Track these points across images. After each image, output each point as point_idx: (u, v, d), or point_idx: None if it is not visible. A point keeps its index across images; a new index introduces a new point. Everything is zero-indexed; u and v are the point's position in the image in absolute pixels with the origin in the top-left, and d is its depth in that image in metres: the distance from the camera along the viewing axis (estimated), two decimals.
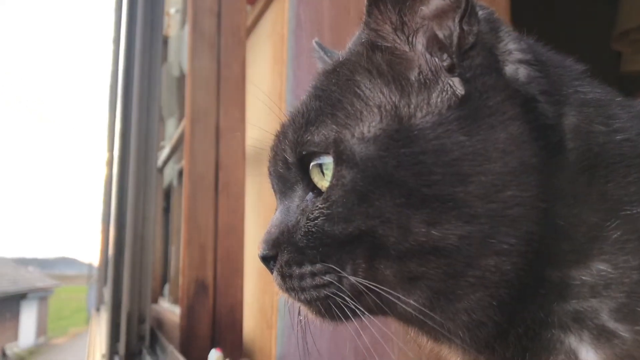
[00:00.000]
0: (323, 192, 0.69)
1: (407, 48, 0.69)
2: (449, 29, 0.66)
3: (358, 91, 0.71)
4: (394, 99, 0.68)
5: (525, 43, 0.70)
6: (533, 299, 0.64)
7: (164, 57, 3.65)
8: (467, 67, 0.66)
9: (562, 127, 0.65)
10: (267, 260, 0.73)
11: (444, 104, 0.65)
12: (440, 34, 0.67)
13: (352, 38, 0.80)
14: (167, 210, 4.17)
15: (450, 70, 0.67)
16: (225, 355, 2.07)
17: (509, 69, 0.67)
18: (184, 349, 2.22)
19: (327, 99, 0.72)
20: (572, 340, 0.62)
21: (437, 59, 0.68)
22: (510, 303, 0.64)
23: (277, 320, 2.12)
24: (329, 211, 0.67)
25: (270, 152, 0.78)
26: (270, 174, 0.79)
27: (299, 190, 0.74)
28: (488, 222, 0.62)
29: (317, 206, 0.68)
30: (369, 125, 0.67)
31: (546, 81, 0.67)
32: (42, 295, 23.27)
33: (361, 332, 0.83)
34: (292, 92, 2.13)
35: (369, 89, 0.70)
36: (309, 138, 0.70)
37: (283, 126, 0.76)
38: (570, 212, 0.63)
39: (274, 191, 0.79)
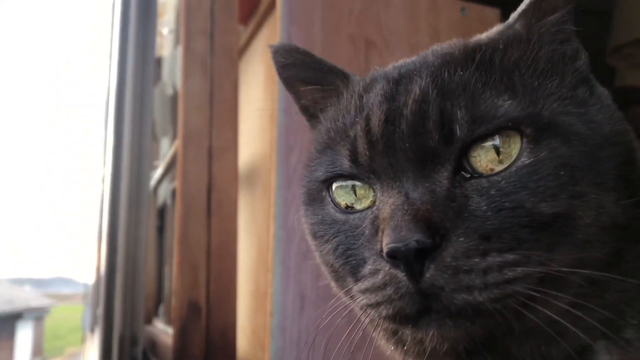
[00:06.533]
0: (484, 174, 0.65)
1: None
2: None
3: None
4: None
5: None
6: None
7: (158, 77, 3.67)
8: None
9: None
10: (418, 253, 0.60)
11: None
12: None
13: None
14: (161, 229, 4.14)
15: None
16: None
17: None
18: None
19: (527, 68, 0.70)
20: None
21: None
22: None
23: (269, 342, 2.10)
24: (537, 185, 0.62)
25: (408, 118, 0.68)
26: (393, 146, 0.68)
27: (445, 172, 0.66)
28: None
29: (512, 181, 0.63)
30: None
31: None
32: (38, 315, 23.06)
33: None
34: (283, 111, 2.14)
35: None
36: (497, 111, 0.65)
37: (439, 85, 0.68)
38: None
39: (389, 166, 0.68)
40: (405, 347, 0.75)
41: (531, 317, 0.62)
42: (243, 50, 2.69)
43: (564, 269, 0.62)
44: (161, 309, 4.18)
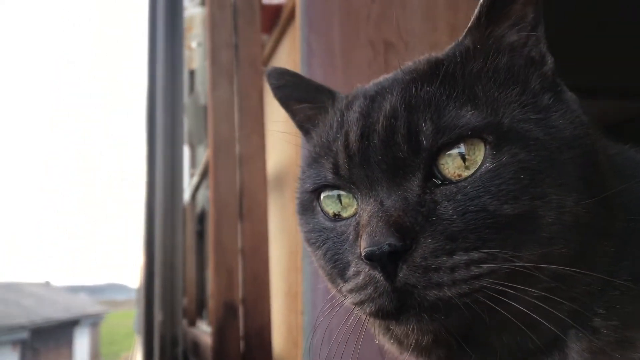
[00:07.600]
0: (453, 180, 0.69)
1: None
2: None
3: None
4: None
5: None
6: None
7: (192, 88, 3.80)
8: None
9: None
10: (391, 256, 0.65)
11: None
12: None
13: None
14: (201, 234, 4.28)
15: None
16: None
17: None
18: None
19: (489, 81, 0.74)
20: None
21: None
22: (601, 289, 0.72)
23: (302, 340, 2.17)
24: (499, 188, 0.66)
25: (380, 133, 0.73)
26: (368, 159, 0.73)
27: (416, 180, 0.71)
28: None
29: (477, 186, 0.67)
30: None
31: None
32: (93, 321, 23.80)
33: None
34: None
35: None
36: (459, 121, 0.69)
37: (407, 101, 0.73)
38: None
39: (366, 177, 0.73)
40: (394, 341, 0.81)
41: (502, 310, 0.67)
42: (268, 58, 2.77)
43: (529, 265, 0.66)
44: (205, 311, 4.32)
